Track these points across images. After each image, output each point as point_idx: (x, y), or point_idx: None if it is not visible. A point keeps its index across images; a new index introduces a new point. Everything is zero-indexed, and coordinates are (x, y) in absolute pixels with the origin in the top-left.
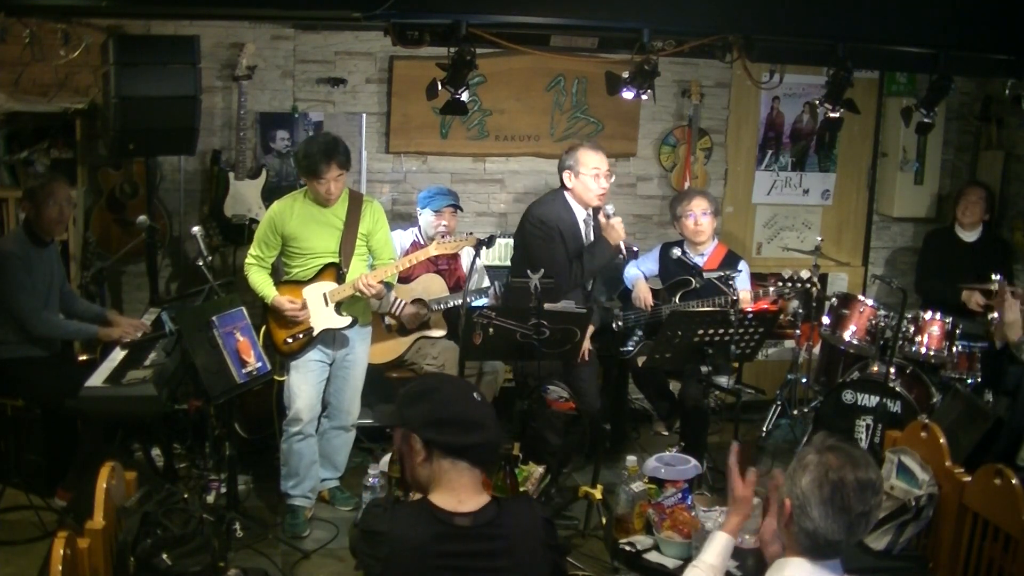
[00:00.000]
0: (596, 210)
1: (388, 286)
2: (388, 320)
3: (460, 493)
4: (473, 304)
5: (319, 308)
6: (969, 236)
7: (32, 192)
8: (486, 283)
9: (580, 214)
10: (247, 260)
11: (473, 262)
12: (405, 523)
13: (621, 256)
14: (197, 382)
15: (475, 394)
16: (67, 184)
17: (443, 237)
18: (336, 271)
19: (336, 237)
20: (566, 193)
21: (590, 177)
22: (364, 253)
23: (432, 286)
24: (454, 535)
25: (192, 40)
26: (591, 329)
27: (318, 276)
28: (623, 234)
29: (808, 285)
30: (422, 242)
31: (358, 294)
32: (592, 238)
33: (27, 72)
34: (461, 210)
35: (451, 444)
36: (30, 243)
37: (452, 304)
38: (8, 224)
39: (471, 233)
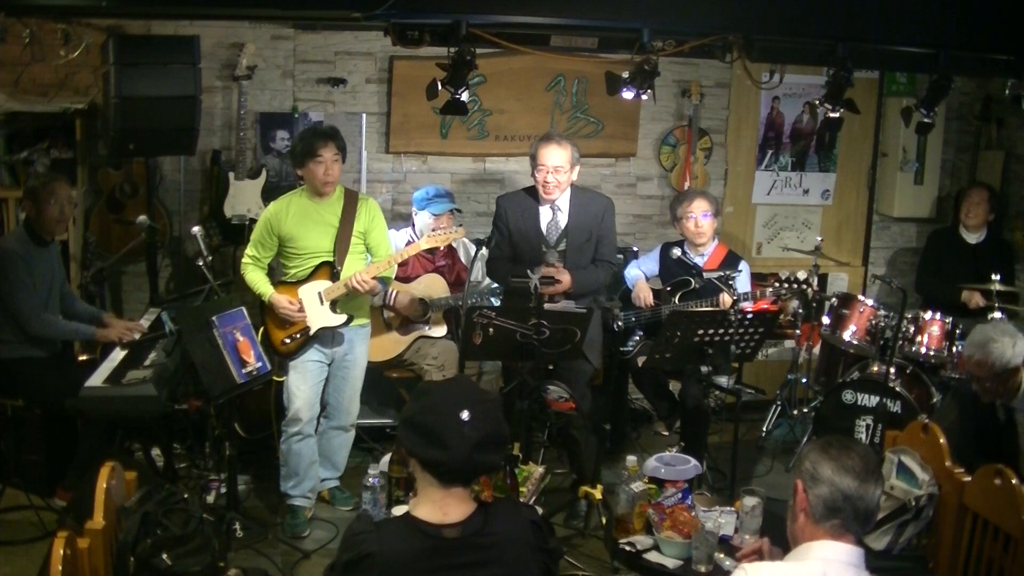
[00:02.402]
0: (591, 201)
1: (384, 281)
2: (387, 315)
3: (441, 504)
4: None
5: (315, 307)
6: (973, 237)
7: (33, 191)
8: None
9: (544, 203)
10: (243, 260)
11: (474, 258)
12: (393, 541)
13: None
14: (197, 382)
15: (465, 412)
16: (68, 184)
17: (434, 230)
18: (330, 270)
19: (331, 235)
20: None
21: (536, 171)
22: (361, 251)
23: (433, 286)
24: (444, 548)
25: (192, 40)
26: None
27: (312, 275)
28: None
29: (804, 286)
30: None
31: (352, 291)
32: (563, 227)
33: (27, 72)
34: (460, 211)
35: (414, 452)
36: (31, 242)
37: (453, 304)
38: (8, 224)
39: (461, 225)
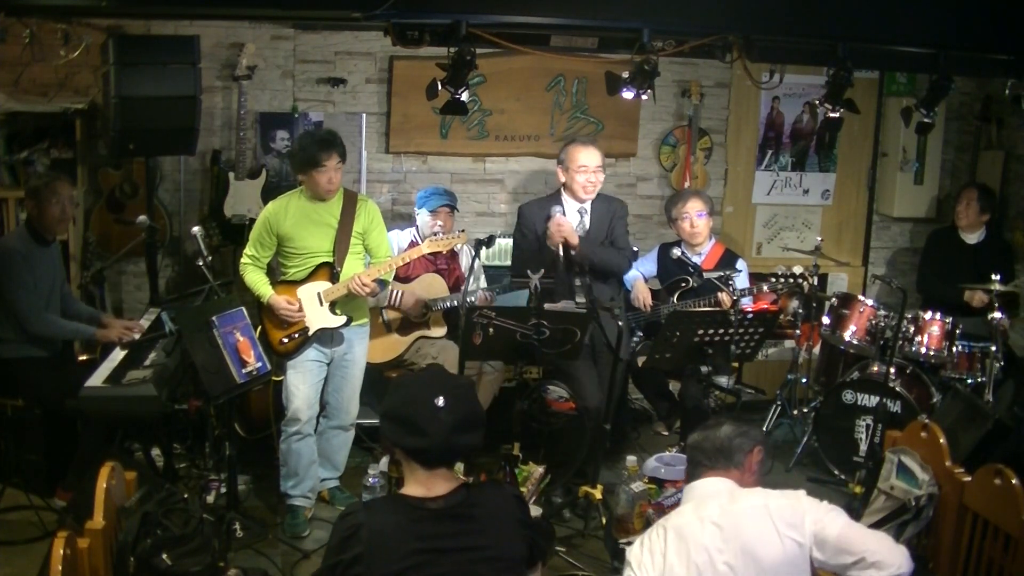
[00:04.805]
0: (606, 204)
1: (383, 283)
2: (387, 315)
3: (426, 484)
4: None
5: (314, 308)
6: (971, 237)
7: (35, 191)
8: (478, 284)
9: (572, 206)
10: (242, 260)
11: (472, 262)
12: (380, 514)
13: (572, 253)
14: (197, 382)
15: (440, 399)
16: (70, 184)
17: (435, 235)
18: (330, 270)
19: (330, 236)
20: (562, 188)
21: (577, 173)
22: (360, 252)
23: (432, 286)
24: (428, 517)
25: (192, 40)
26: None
27: (312, 276)
28: (558, 238)
29: (800, 280)
30: (419, 242)
31: (353, 294)
32: (587, 229)
33: (27, 72)
34: (457, 210)
35: (396, 442)
36: (32, 242)
37: (452, 304)
38: (8, 224)
39: (463, 231)
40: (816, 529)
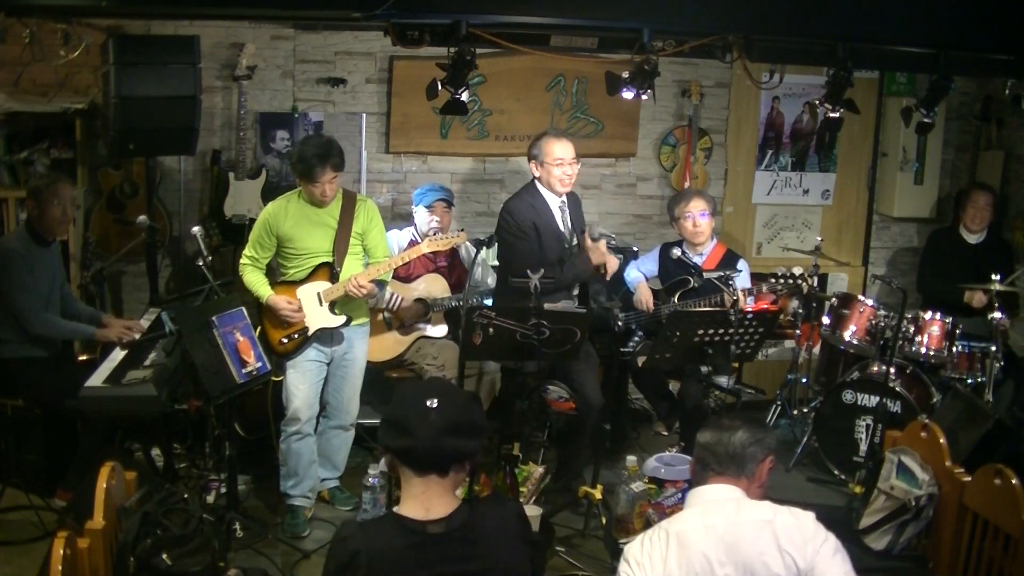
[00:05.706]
0: (571, 196)
1: (381, 284)
2: (386, 314)
3: (424, 500)
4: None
5: (313, 308)
6: (973, 238)
7: (37, 191)
8: (491, 281)
9: (554, 201)
10: (242, 261)
11: (474, 259)
12: (378, 538)
13: (602, 275)
14: (197, 382)
15: (432, 400)
16: (71, 184)
17: (435, 234)
18: (330, 271)
19: (330, 236)
20: (536, 182)
21: (554, 166)
22: (359, 252)
23: (433, 286)
24: (429, 543)
25: (192, 40)
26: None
27: (312, 276)
28: (603, 260)
29: (800, 281)
30: (418, 240)
31: (350, 295)
32: (569, 224)
33: (27, 72)
34: (452, 205)
35: (387, 445)
36: (32, 242)
37: (454, 304)
38: (8, 224)
39: (463, 230)
40: (816, 560)
